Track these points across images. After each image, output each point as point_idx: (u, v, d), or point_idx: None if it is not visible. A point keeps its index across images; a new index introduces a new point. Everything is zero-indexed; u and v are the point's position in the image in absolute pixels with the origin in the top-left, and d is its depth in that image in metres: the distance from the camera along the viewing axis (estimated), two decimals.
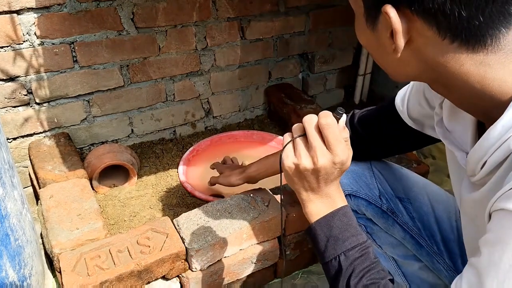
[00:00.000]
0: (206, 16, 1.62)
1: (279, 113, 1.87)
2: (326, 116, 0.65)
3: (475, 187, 0.62)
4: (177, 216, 1.15)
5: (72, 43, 1.43)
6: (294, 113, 1.77)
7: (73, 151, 1.46)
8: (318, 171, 0.66)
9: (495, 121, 0.53)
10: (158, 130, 1.76)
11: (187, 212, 1.15)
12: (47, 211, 1.18)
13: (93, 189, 1.44)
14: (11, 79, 1.39)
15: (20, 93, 1.42)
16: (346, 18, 1.92)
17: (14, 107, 1.44)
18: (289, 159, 0.69)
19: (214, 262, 1.12)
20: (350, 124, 0.98)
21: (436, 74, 0.58)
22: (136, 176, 1.53)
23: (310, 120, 0.67)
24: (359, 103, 2.16)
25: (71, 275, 0.99)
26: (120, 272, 1.00)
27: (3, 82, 1.38)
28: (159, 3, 1.51)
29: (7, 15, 1.29)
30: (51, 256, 1.10)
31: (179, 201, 1.48)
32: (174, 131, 1.80)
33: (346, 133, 0.68)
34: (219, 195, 1.42)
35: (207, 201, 1.28)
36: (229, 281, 1.18)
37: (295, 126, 0.70)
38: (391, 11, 0.53)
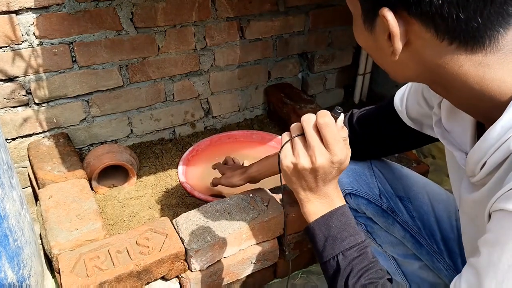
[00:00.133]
0: (205, 16, 1.62)
1: (279, 113, 1.86)
2: (324, 116, 0.65)
3: (475, 188, 0.62)
4: (177, 216, 1.15)
5: (71, 43, 1.43)
6: (294, 113, 1.76)
7: (72, 151, 1.46)
8: (316, 171, 0.66)
9: (495, 121, 0.53)
10: (158, 130, 1.76)
11: (186, 213, 1.15)
12: (46, 211, 1.18)
13: (92, 189, 1.44)
14: (10, 79, 1.39)
15: (19, 93, 1.42)
16: (345, 17, 1.92)
17: (13, 107, 1.43)
18: (287, 159, 0.68)
19: (214, 262, 1.12)
20: (349, 123, 0.98)
21: (435, 76, 0.57)
22: (136, 176, 1.53)
23: (308, 120, 0.67)
24: (359, 103, 2.16)
25: (70, 275, 0.99)
26: (119, 272, 1.00)
27: (2, 83, 1.38)
28: (158, 3, 1.50)
29: (6, 15, 1.29)
30: (50, 256, 1.10)
31: (179, 201, 1.48)
32: (174, 131, 1.80)
33: (345, 133, 0.67)
34: (218, 195, 1.42)
35: (206, 201, 1.27)
36: (229, 282, 1.18)
37: (294, 126, 0.70)
38: (388, 14, 0.52)
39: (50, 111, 1.50)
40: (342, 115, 0.67)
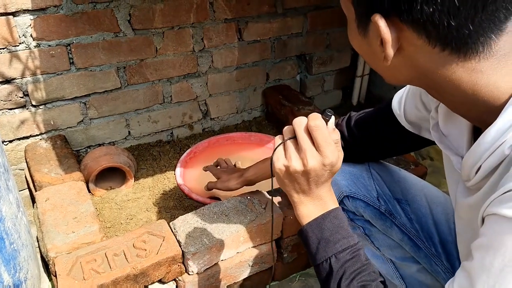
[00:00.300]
0: (203, 17, 1.62)
1: (277, 114, 1.86)
2: (315, 119, 0.65)
3: (470, 192, 0.62)
4: (174, 218, 1.15)
5: (69, 45, 1.42)
6: (292, 115, 1.76)
7: (70, 153, 1.45)
8: (308, 173, 0.66)
9: (490, 125, 0.53)
10: (155, 132, 1.75)
11: (184, 215, 1.15)
12: (43, 214, 1.17)
13: (89, 191, 1.43)
14: (7, 81, 1.38)
15: (16, 95, 1.41)
16: (343, 19, 1.90)
17: (10, 109, 1.43)
18: (279, 162, 0.69)
19: (211, 265, 1.11)
20: (347, 126, 0.98)
21: (428, 80, 0.57)
22: (133, 178, 1.52)
23: (299, 123, 0.67)
24: (357, 104, 2.16)
25: (66, 279, 0.98)
26: (116, 276, 0.99)
27: None
28: (156, 5, 1.50)
29: (3, 17, 1.29)
30: (46, 259, 1.10)
31: (176, 203, 1.47)
32: (171, 133, 1.80)
33: (336, 135, 0.68)
34: (216, 198, 1.41)
35: (204, 204, 1.27)
36: (226, 284, 1.18)
37: (286, 129, 0.71)
38: (380, 21, 0.53)
39: (47, 113, 1.49)
40: (333, 117, 0.67)
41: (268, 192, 1.27)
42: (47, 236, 1.10)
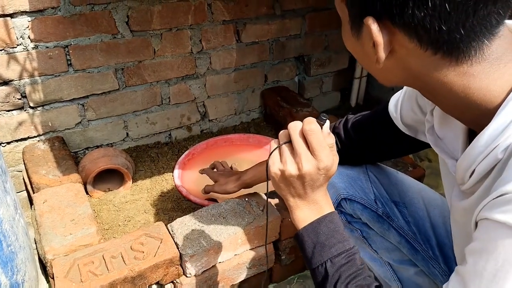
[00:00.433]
0: (201, 19, 1.62)
1: (275, 116, 1.86)
2: (310, 123, 0.66)
3: (464, 195, 0.62)
4: (172, 220, 1.15)
5: (67, 46, 1.42)
6: (290, 116, 1.76)
7: (68, 155, 1.45)
8: (303, 177, 0.66)
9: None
10: (154, 134, 1.75)
11: (182, 217, 1.15)
12: (40, 216, 1.17)
13: (87, 193, 1.43)
14: (5, 83, 1.38)
15: (14, 97, 1.41)
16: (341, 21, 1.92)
17: (8, 111, 1.43)
18: (275, 166, 0.69)
19: (209, 267, 1.11)
20: (344, 129, 0.98)
21: (420, 83, 0.58)
22: (131, 180, 1.52)
23: (295, 127, 0.68)
24: (355, 106, 2.16)
25: (64, 281, 0.98)
26: (114, 278, 0.99)
27: None
28: (154, 6, 1.50)
29: (1, 19, 1.28)
30: (44, 261, 1.10)
31: (174, 205, 1.47)
32: (170, 134, 1.80)
33: (331, 139, 0.68)
34: (214, 199, 1.41)
35: (202, 205, 1.27)
36: (224, 287, 1.18)
37: (281, 133, 0.71)
38: (372, 24, 0.53)
39: (45, 114, 1.49)
40: (328, 121, 0.68)
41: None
42: (44, 238, 1.10)
